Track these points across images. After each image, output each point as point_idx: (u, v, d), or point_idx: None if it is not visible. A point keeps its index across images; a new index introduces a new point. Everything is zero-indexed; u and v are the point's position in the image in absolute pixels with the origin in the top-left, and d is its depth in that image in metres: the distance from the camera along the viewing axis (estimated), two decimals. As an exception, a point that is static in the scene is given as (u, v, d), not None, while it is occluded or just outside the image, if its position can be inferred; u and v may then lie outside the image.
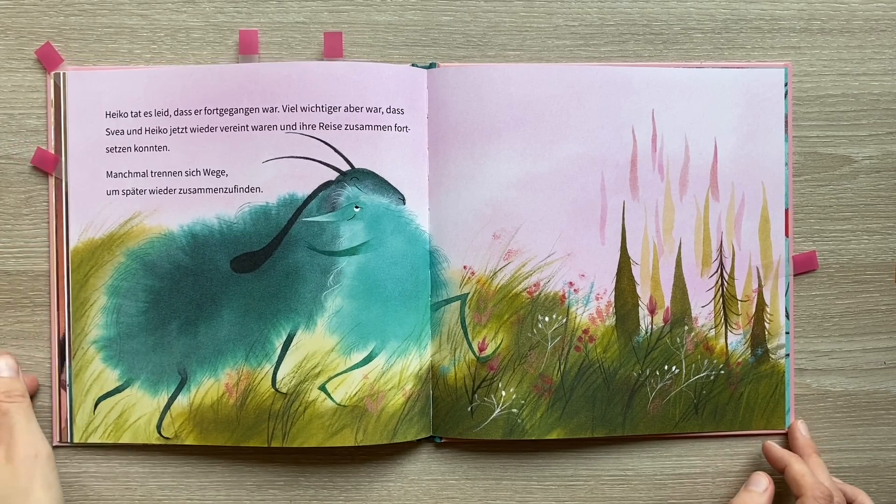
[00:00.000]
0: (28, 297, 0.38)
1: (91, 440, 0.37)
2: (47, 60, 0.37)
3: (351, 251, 0.37)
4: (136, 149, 0.37)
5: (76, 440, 0.37)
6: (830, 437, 0.40)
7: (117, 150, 0.37)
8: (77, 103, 0.37)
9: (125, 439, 0.37)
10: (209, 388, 0.37)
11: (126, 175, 0.37)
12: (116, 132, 0.37)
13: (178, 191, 0.37)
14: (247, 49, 0.38)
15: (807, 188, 0.40)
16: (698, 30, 0.39)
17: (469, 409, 0.37)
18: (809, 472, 0.37)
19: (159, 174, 0.37)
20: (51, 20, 0.39)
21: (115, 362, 0.37)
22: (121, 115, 0.37)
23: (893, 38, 0.40)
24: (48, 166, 0.37)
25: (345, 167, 0.37)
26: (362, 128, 0.37)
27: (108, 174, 0.37)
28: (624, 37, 0.39)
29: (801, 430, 0.39)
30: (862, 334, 0.40)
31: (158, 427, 0.37)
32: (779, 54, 0.39)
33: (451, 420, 0.38)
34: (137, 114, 0.37)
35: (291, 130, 0.37)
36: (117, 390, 0.37)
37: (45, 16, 0.39)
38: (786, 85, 0.39)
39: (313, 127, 0.36)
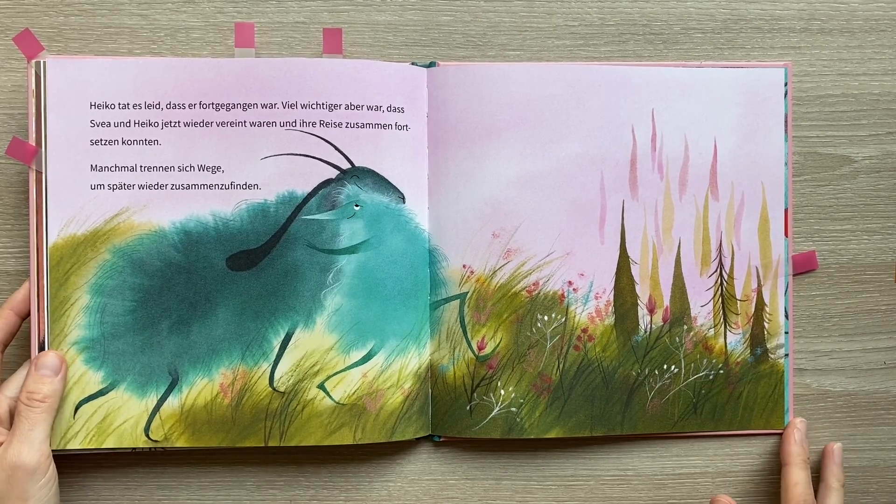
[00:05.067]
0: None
1: (70, 447, 0.39)
2: (26, 48, 0.39)
3: (351, 249, 0.41)
4: (123, 142, 0.40)
5: (53, 447, 0.39)
6: (830, 437, 0.44)
7: (103, 142, 0.40)
8: (58, 93, 0.39)
9: (109, 444, 0.39)
10: (202, 388, 0.40)
11: (112, 169, 0.40)
12: (102, 124, 0.40)
13: (169, 186, 0.40)
14: (243, 42, 0.42)
15: (807, 188, 0.44)
16: (698, 30, 0.43)
17: (468, 407, 0.42)
18: (805, 482, 0.41)
19: (149, 169, 0.40)
20: (51, 20, 0.42)
21: (98, 364, 0.40)
22: (107, 106, 0.40)
23: (893, 38, 0.44)
24: (26, 157, 0.39)
25: (345, 165, 0.41)
26: (363, 126, 0.41)
27: (93, 168, 0.40)
28: (624, 37, 0.43)
29: (796, 436, 0.42)
30: (862, 334, 0.44)
31: (146, 430, 0.40)
32: (779, 54, 0.44)
33: (449, 419, 0.42)
34: (126, 106, 0.40)
35: (291, 127, 0.40)
36: (100, 393, 0.40)
37: (44, 16, 0.42)
38: (785, 85, 0.43)
39: (314, 124, 0.40)
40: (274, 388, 0.41)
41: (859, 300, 0.44)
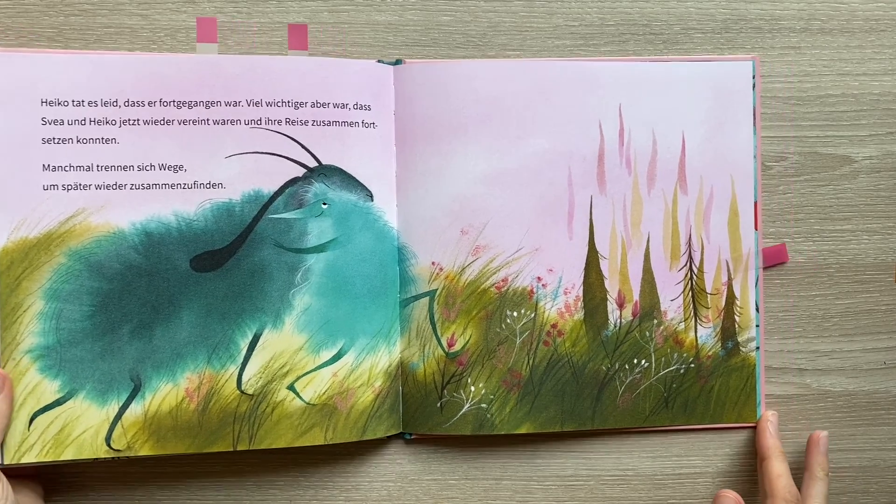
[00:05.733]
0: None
1: (24, 460, 0.39)
2: None
3: (319, 248, 0.42)
4: (79, 140, 0.40)
5: (7, 461, 0.39)
6: (830, 436, 0.45)
7: (56, 141, 0.40)
8: (5, 88, 0.39)
9: (67, 456, 0.39)
10: (167, 393, 0.40)
11: (67, 168, 0.40)
12: (55, 122, 0.40)
13: (129, 186, 0.40)
14: (205, 37, 0.43)
15: (807, 188, 0.45)
16: (698, 30, 0.45)
17: (438, 404, 0.43)
18: (787, 473, 0.42)
19: (107, 168, 0.40)
20: (51, 20, 0.42)
21: (54, 372, 0.40)
22: (60, 103, 0.40)
23: (893, 38, 0.45)
24: None
25: (312, 163, 0.42)
26: (329, 124, 0.42)
27: (45, 167, 0.39)
28: (624, 37, 0.45)
29: (770, 429, 0.44)
30: (862, 334, 0.45)
31: (107, 439, 0.40)
32: (779, 54, 0.45)
33: (420, 416, 0.43)
34: (80, 103, 0.40)
35: (256, 125, 0.41)
36: (57, 403, 0.39)
37: (45, 16, 0.42)
38: (753, 77, 0.45)
39: (279, 122, 0.41)
40: (242, 391, 0.41)
41: (859, 300, 0.46)
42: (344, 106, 0.42)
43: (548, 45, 0.44)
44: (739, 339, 0.45)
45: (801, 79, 0.45)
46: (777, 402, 0.46)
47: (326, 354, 0.42)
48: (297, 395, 0.42)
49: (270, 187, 0.42)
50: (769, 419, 0.44)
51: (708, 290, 0.45)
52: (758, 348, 0.45)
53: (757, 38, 0.45)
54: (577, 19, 0.44)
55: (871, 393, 0.46)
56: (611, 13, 0.44)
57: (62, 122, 0.40)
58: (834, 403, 0.46)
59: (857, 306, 0.45)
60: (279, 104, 0.41)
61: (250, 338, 0.42)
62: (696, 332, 0.45)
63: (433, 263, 0.43)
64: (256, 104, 0.41)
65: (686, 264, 0.45)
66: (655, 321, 0.45)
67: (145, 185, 0.41)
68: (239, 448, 0.41)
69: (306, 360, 0.42)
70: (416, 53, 0.44)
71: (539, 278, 0.44)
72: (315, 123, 0.42)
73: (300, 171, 0.42)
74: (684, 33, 0.44)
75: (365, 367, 0.43)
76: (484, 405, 0.44)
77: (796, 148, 0.45)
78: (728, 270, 0.45)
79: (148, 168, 0.41)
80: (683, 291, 0.45)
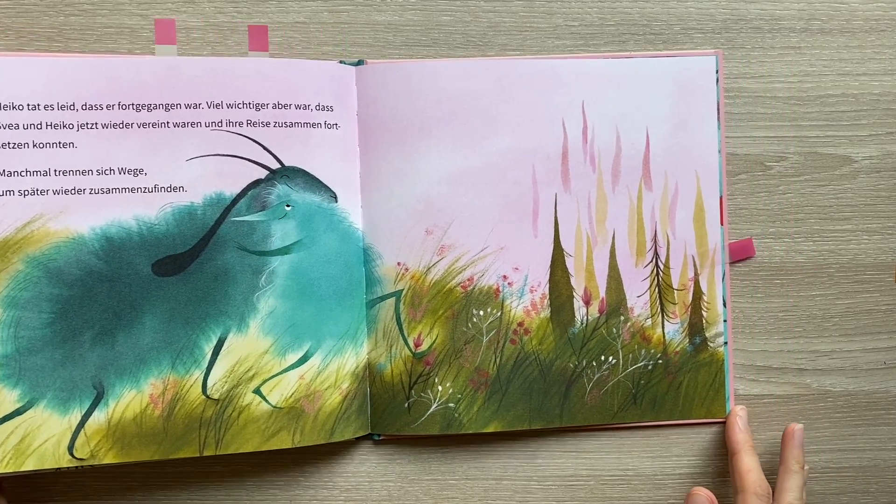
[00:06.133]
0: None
1: None
2: None
3: (283, 250, 0.42)
4: (35, 145, 0.40)
5: None
6: (830, 437, 0.46)
7: (11, 146, 0.40)
8: None
9: (29, 466, 0.39)
10: (130, 400, 0.41)
11: (23, 174, 0.40)
12: (9, 126, 0.40)
13: (88, 191, 0.41)
14: (164, 39, 0.43)
15: (807, 188, 0.46)
16: (698, 30, 0.46)
17: (406, 405, 0.44)
18: (757, 467, 0.43)
19: (65, 173, 0.40)
20: (51, 20, 0.43)
21: (13, 381, 0.40)
22: (14, 107, 0.40)
23: (893, 38, 0.45)
24: None
25: (274, 165, 0.42)
26: (291, 125, 0.42)
27: (1, 173, 0.40)
28: (624, 37, 0.45)
29: (739, 424, 0.44)
30: (862, 334, 0.46)
31: (70, 448, 0.40)
32: (779, 54, 0.46)
33: (388, 417, 0.44)
34: (36, 107, 0.40)
35: (217, 128, 0.42)
36: (17, 413, 0.40)
37: (45, 16, 0.43)
38: (716, 72, 0.46)
39: (240, 124, 0.42)
40: (207, 396, 0.42)
41: (859, 300, 0.46)
42: (306, 107, 0.43)
43: (548, 45, 0.45)
44: (707, 335, 0.46)
45: (801, 79, 0.46)
46: (777, 402, 0.47)
47: (292, 357, 0.43)
48: (264, 398, 0.42)
49: (233, 190, 0.42)
50: (738, 414, 0.45)
51: (674, 286, 0.46)
52: (725, 343, 0.46)
53: (757, 38, 0.45)
54: (577, 19, 0.45)
55: (871, 393, 0.46)
56: (611, 13, 0.45)
57: (17, 127, 0.40)
58: (834, 403, 0.46)
59: (857, 306, 0.46)
60: (240, 106, 0.42)
61: (215, 342, 0.42)
62: (663, 328, 0.46)
63: (399, 264, 0.44)
64: (217, 106, 0.42)
65: (652, 260, 0.46)
66: (622, 318, 0.46)
67: (105, 190, 0.41)
68: (205, 454, 0.42)
69: (272, 363, 0.42)
70: (417, 53, 0.44)
71: (505, 277, 0.45)
72: (277, 125, 0.42)
73: (262, 173, 0.42)
74: (684, 33, 0.45)
75: (332, 369, 0.43)
76: (451, 404, 0.45)
77: (796, 148, 0.46)
78: (694, 266, 0.46)
79: (107, 172, 0.41)
80: (650, 287, 0.46)
